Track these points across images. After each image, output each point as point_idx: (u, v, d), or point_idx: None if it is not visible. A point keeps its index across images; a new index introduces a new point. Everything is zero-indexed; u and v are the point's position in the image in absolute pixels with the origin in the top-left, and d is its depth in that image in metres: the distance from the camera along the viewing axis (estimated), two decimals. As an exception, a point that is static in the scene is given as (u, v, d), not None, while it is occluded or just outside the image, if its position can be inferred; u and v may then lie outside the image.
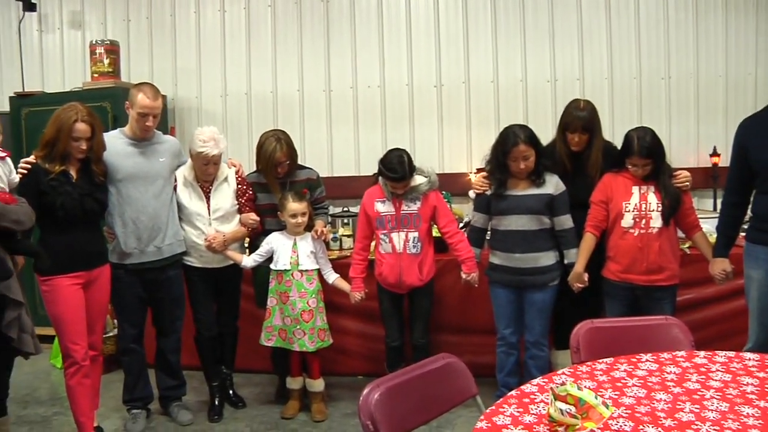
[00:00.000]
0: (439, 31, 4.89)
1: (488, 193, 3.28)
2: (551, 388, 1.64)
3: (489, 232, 3.40)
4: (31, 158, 3.07)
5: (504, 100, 4.89)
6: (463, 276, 3.38)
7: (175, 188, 3.50)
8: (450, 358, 1.98)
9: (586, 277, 3.17)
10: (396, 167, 3.29)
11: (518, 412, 1.69)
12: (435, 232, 3.56)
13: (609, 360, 2.05)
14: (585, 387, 1.72)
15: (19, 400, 3.96)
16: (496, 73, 4.89)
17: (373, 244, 3.55)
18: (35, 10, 5.47)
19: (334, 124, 5.13)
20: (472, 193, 3.49)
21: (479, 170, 3.50)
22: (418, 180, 3.40)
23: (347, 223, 4.47)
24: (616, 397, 1.77)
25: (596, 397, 1.63)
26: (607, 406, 1.64)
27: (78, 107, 3.03)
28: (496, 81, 4.86)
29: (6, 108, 5.14)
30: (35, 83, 5.55)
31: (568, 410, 1.57)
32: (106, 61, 4.94)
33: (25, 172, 3.01)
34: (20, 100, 5.02)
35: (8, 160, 2.94)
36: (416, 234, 3.39)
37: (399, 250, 3.41)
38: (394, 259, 3.42)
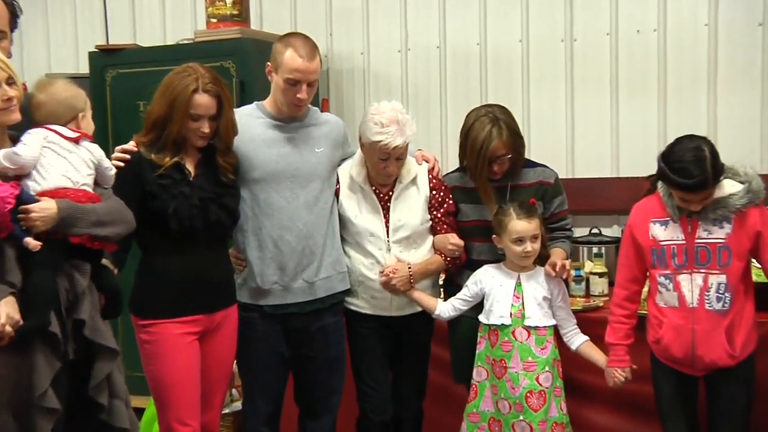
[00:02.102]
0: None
1: None
2: None
3: None
4: (130, 145, 3.11)
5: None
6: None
7: (337, 194, 3.52)
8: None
9: None
10: (690, 167, 2.97)
11: None
12: (757, 275, 3.33)
13: None
14: None
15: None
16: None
17: (645, 290, 3.37)
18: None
19: (577, 92, 4.89)
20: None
21: None
22: (729, 188, 3.08)
23: (599, 255, 4.28)
24: None
25: None
26: None
27: (199, 70, 3.07)
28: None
29: (85, 68, 5.19)
30: (124, 34, 5.63)
31: None
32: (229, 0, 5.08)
33: (122, 164, 3.05)
34: (104, 57, 5.05)
35: (88, 145, 2.88)
36: (723, 278, 3.06)
37: (691, 303, 3.11)
38: (684, 317, 3.12)
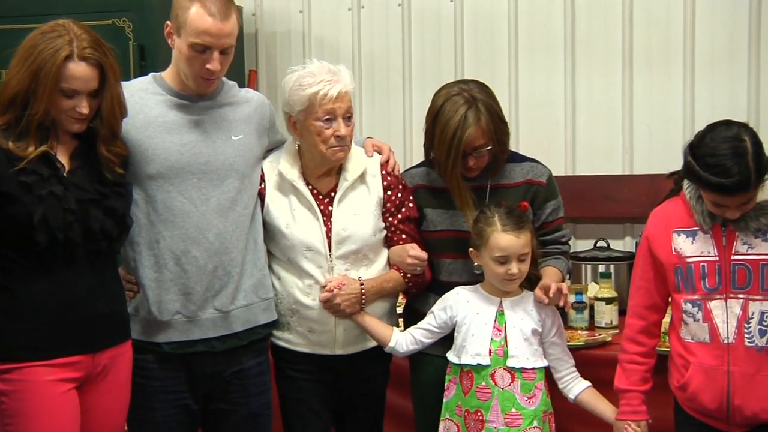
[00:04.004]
0: None
1: None
2: None
3: None
4: None
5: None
6: None
7: (261, 195, 3.51)
8: None
9: None
10: (727, 162, 2.97)
11: None
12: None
13: None
14: None
15: None
16: None
17: (666, 321, 3.35)
18: None
19: (579, 64, 5.01)
20: None
21: None
22: (776, 191, 3.18)
23: (607, 275, 4.30)
24: None
25: None
26: None
27: (73, 29, 3.01)
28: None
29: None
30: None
31: None
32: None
33: None
34: None
35: None
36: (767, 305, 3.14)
37: (727, 338, 3.15)
38: (717, 357, 3.17)
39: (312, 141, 3.43)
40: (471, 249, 3.41)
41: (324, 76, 3.41)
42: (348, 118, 3.45)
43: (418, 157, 3.98)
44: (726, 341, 3.10)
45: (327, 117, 3.37)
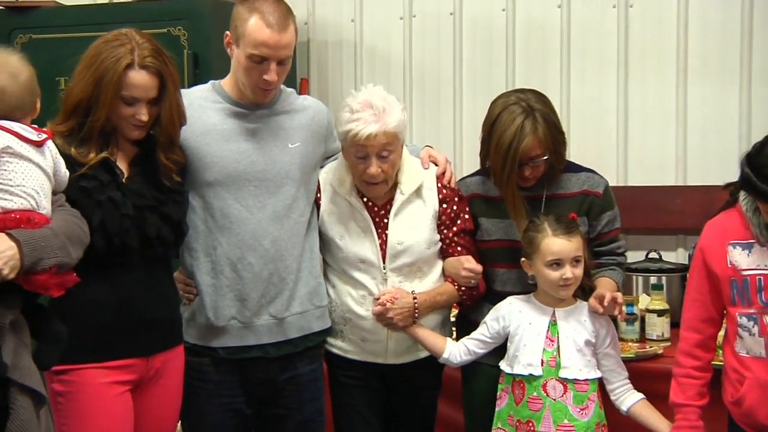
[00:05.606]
0: None
1: None
2: None
3: None
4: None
5: None
6: None
7: (317, 204, 3.51)
8: None
9: None
10: None
11: None
12: None
13: None
14: None
15: None
16: None
17: (720, 335, 3.32)
18: None
19: (632, 74, 4.96)
20: None
21: None
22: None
23: (658, 287, 4.27)
24: None
25: None
26: None
27: (135, 38, 3.04)
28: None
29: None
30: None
31: None
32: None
33: None
34: (11, 17, 5.03)
35: (51, 145, 2.94)
36: (831, 322, 3.13)
37: None
38: None
39: (352, 170, 3.45)
40: (523, 259, 3.40)
41: (363, 114, 3.36)
42: (384, 155, 3.40)
43: (468, 167, 3.99)
44: None
45: (360, 153, 3.36)
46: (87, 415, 3.02)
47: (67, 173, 2.97)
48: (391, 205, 3.49)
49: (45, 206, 2.82)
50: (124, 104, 3.00)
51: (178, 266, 3.40)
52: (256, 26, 3.22)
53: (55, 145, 3.01)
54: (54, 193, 2.90)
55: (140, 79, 2.99)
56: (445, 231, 3.53)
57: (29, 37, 4.92)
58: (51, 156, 2.91)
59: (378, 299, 3.43)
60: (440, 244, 3.54)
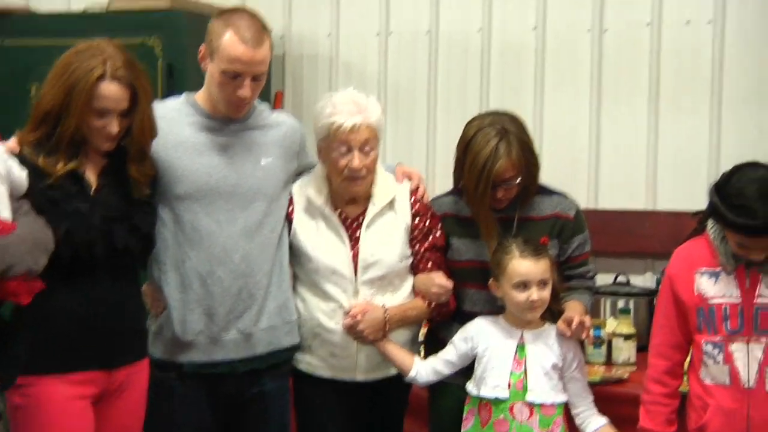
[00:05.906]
0: None
1: None
2: None
3: None
4: (12, 143, 3.07)
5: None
6: None
7: (288, 219, 3.51)
8: None
9: None
10: (753, 204, 3.03)
11: None
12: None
13: None
14: None
15: None
16: None
17: (687, 362, 3.38)
18: None
19: (605, 98, 5.00)
20: None
21: None
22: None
23: (625, 311, 4.31)
24: None
25: None
26: None
27: (107, 50, 3.04)
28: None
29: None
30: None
31: None
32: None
33: None
34: None
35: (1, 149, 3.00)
36: (795, 352, 3.18)
37: (747, 382, 3.21)
38: (737, 400, 3.22)
39: (330, 170, 3.45)
40: (491, 281, 3.40)
41: (345, 107, 3.40)
42: (366, 150, 3.42)
43: (441, 185, 3.98)
44: (746, 385, 3.10)
45: (342, 148, 3.37)
46: (47, 429, 3.02)
47: (24, 174, 2.94)
48: (363, 217, 3.49)
49: (5, 213, 2.81)
50: (94, 115, 3.00)
51: (146, 279, 3.38)
52: (230, 41, 3.24)
53: (23, 154, 3.02)
54: (12, 196, 2.88)
55: (112, 90, 2.99)
56: (417, 246, 3.54)
57: (1, 42, 4.94)
58: (2, 160, 2.90)
59: (349, 312, 3.43)
60: (411, 258, 3.55)
